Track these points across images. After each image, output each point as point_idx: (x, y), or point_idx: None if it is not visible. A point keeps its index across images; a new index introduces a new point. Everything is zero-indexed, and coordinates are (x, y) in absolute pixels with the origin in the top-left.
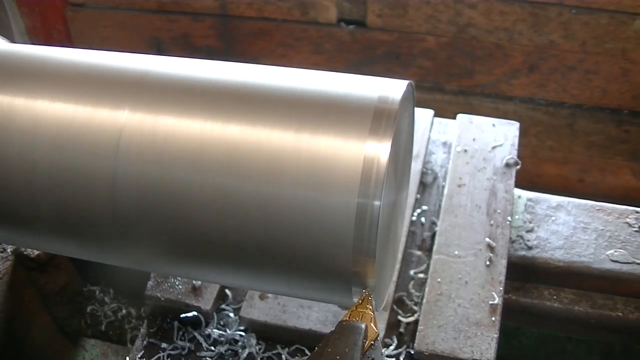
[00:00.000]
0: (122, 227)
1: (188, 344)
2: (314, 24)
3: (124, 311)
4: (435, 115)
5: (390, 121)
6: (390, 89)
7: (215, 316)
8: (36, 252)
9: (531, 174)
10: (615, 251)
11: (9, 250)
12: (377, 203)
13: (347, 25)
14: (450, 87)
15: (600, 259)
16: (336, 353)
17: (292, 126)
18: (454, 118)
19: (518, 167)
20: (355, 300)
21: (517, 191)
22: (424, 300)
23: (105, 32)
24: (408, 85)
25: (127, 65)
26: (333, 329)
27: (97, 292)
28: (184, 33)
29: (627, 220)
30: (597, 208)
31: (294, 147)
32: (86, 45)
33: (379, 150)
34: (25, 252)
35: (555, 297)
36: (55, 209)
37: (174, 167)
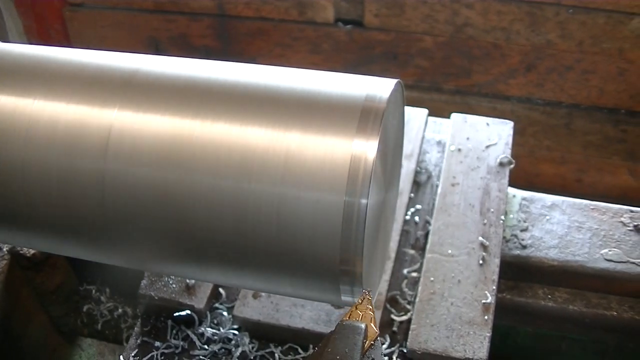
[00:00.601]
0: (112, 227)
1: (181, 343)
2: (312, 23)
3: (120, 310)
4: (433, 115)
5: (377, 120)
6: (378, 87)
7: (209, 315)
8: (32, 251)
9: (529, 173)
10: (610, 250)
11: (4, 250)
12: (364, 201)
13: (344, 25)
14: (448, 87)
15: (595, 258)
16: (336, 353)
17: (280, 125)
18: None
19: (512, 166)
20: (344, 298)
21: (512, 190)
22: (417, 299)
23: (103, 32)
24: (396, 83)
25: (118, 64)
26: (326, 327)
27: (93, 291)
28: (181, 33)
29: (622, 219)
30: (592, 207)
31: (282, 145)
32: (84, 45)
33: (366, 148)
34: (21, 251)
35: (549, 296)
36: (47, 208)
37: (163, 166)
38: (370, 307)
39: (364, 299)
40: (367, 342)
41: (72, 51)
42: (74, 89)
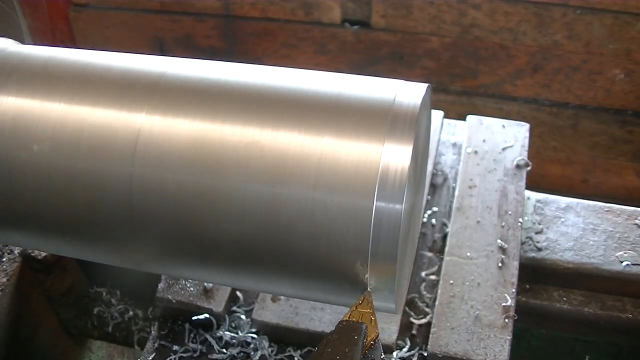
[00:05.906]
0: (139, 231)
1: (199, 346)
2: (318, 24)
3: (130, 313)
4: None
5: (410, 125)
6: (410, 92)
7: (227, 318)
8: (43, 254)
9: (535, 174)
10: (625, 252)
11: (16, 252)
12: (398, 207)
13: (351, 25)
14: (454, 88)
15: (610, 261)
16: (336, 353)
17: (311, 129)
18: (458, 118)
19: (528, 168)
20: (376, 304)
21: (526, 192)
22: (437, 302)
23: (108, 33)
24: (427, 88)
25: (143, 67)
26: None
27: (104, 293)
28: (186, 33)
29: (636, 221)
30: (606, 209)
31: (315, 150)
32: (89, 46)
33: (400, 153)
34: (32, 254)
35: (564, 298)
36: (72, 212)
37: (192, 170)
38: (371, 307)
39: (364, 299)
40: (367, 342)
41: (95, 54)
42: (100, 92)
